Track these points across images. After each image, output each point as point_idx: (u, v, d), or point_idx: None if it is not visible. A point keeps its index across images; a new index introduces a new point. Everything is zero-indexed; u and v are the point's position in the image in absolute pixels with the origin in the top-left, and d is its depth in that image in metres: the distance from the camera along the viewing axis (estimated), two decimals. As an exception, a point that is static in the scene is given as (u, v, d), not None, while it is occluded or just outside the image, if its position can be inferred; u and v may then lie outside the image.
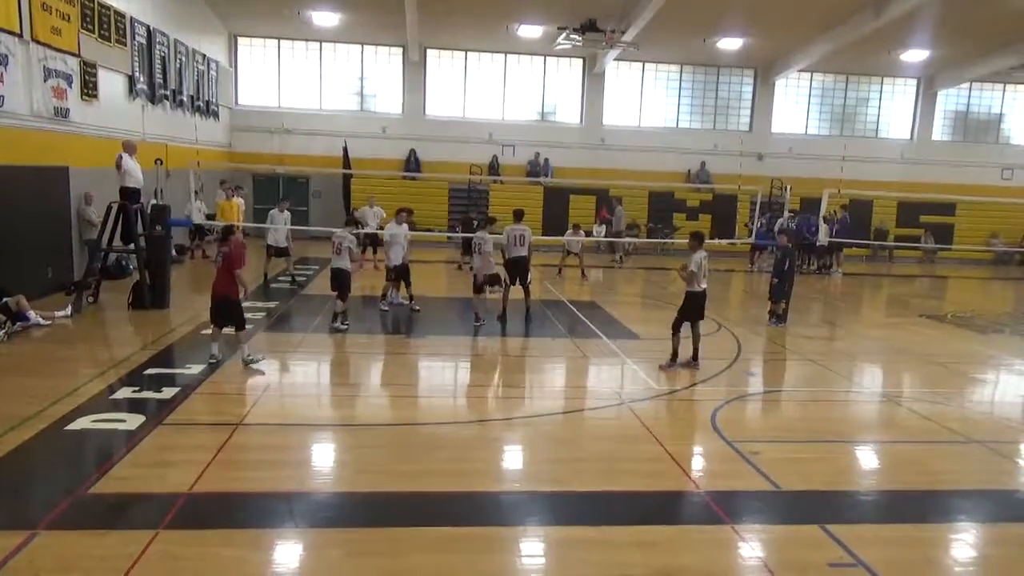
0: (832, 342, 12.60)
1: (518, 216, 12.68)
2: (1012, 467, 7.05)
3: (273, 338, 10.76)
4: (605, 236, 22.91)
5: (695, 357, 9.73)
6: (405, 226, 12.99)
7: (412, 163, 25.45)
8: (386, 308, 12.88)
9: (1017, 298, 19.67)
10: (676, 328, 9.66)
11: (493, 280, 12.02)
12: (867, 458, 7.34)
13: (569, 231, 19.20)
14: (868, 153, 26.85)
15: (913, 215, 26.51)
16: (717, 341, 11.39)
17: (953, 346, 12.25)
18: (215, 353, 9.03)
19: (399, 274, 12.84)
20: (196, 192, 18.13)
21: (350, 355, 10.41)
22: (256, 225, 22.46)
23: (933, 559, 5.17)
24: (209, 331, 9.43)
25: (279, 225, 15.63)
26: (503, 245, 12.45)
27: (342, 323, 11.26)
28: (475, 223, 16.05)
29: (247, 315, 11.53)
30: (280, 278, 15.74)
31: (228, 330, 9.22)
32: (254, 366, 8.94)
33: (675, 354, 9.63)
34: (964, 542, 5.47)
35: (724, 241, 22.15)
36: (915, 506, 5.99)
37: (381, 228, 13.42)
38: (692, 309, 9.65)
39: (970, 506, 6.03)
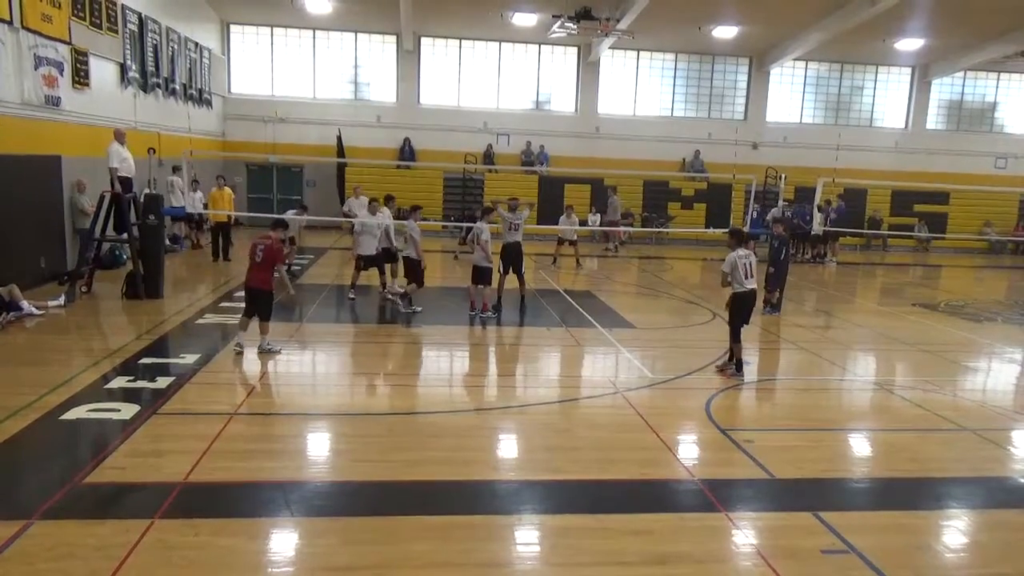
0: (826, 331, 12.64)
1: (513, 206, 12.75)
2: (1003, 454, 7.09)
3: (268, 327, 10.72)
4: (600, 225, 22.91)
5: (730, 359, 9.21)
6: (381, 215, 13.06)
7: (406, 152, 25.37)
8: (353, 297, 12.91)
9: (1010, 287, 19.76)
10: (736, 335, 9.06)
11: (483, 278, 11.87)
12: (859, 446, 7.38)
13: (563, 216, 19.09)
14: (862, 142, 26.91)
15: (907, 204, 26.58)
16: (711, 330, 11.42)
17: (946, 334, 12.31)
18: (242, 343, 9.12)
19: (370, 264, 12.90)
20: (193, 181, 18.08)
21: (345, 344, 10.40)
22: (249, 214, 22.46)
23: (925, 545, 5.21)
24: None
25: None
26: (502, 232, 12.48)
27: (409, 305, 11.93)
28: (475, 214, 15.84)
29: (241, 304, 11.58)
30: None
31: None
32: (272, 351, 9.17)
33: (739, 362, 9.09)
34: (955, 528, 5.51)
35: (719, 230, 22.14)
36: (907, 493, 6.03)
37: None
38: (740, 310, 9.11)
39: (961, 493, 6.08)
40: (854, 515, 5.47)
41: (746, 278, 9.10)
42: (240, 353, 9.00)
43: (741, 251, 9.18)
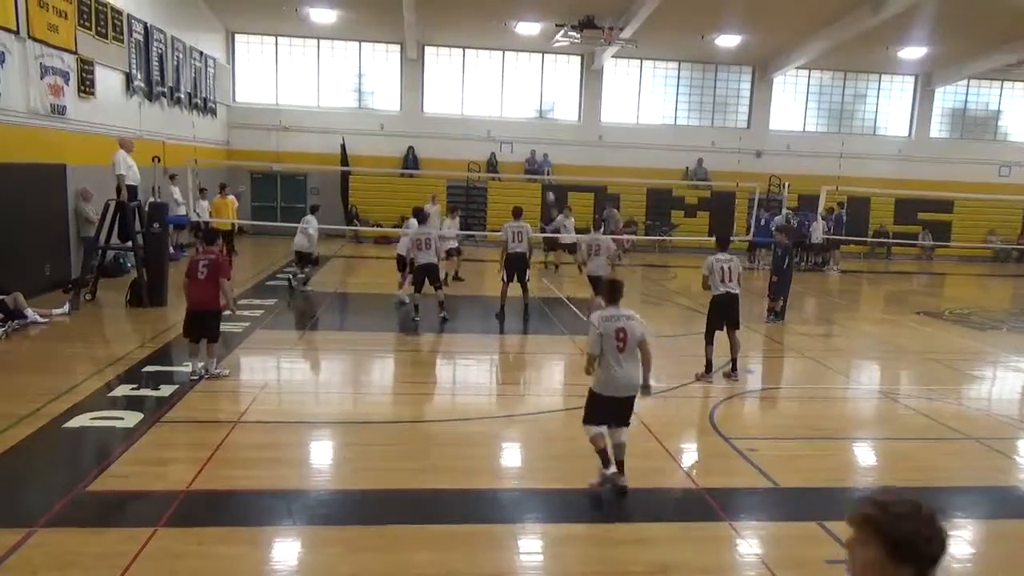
0: (830, 339, 12.61)
1: (516, 214, 12.79)
2: (1009, 464, 7.06)
3: (271, 336, 10.75)
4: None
5: (733, 368, 9.26)
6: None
7: (410, 160, 25.42)
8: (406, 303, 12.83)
9: (1014, 295, 19.70)
10: (707, 337, 9.21)
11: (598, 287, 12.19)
12: (864, 455, 7.36)
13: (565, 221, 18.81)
14: (866, 150, 26.89)
15: (911, 212, 26.53)
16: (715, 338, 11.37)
17: (950, 343, 12.27)
18: (197, 369, 8.32)
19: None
20: (201, 190, 18.11)
21: (347, 353, 10.40)
22: (253, 222, 22.52)
23: (930, 555, 5.17)
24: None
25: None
26: (503, 242, 12.49)
27: (440, 310, 11.91)
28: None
29: (245, 312, 11.62)
30: (278, 275, 15.77)
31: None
32: (221, 375, 8.40)
33: (708, 364, 9.18)
34: (961, 538, 5.47)
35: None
36: (912, 503, 5.99)
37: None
38: (714, 314, 9.17)
39: (967, 502, 6.05)
40: (859, 525, 5.44)
41: (723, 281, 9.07)
42: (200, 379, 8.22)
43: (722, 255, 9.20)
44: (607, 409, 5.77)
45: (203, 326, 8.41)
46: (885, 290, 19.96)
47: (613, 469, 5.68)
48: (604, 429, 5.77)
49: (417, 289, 11.97)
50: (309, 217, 14.64)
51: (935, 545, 1.99)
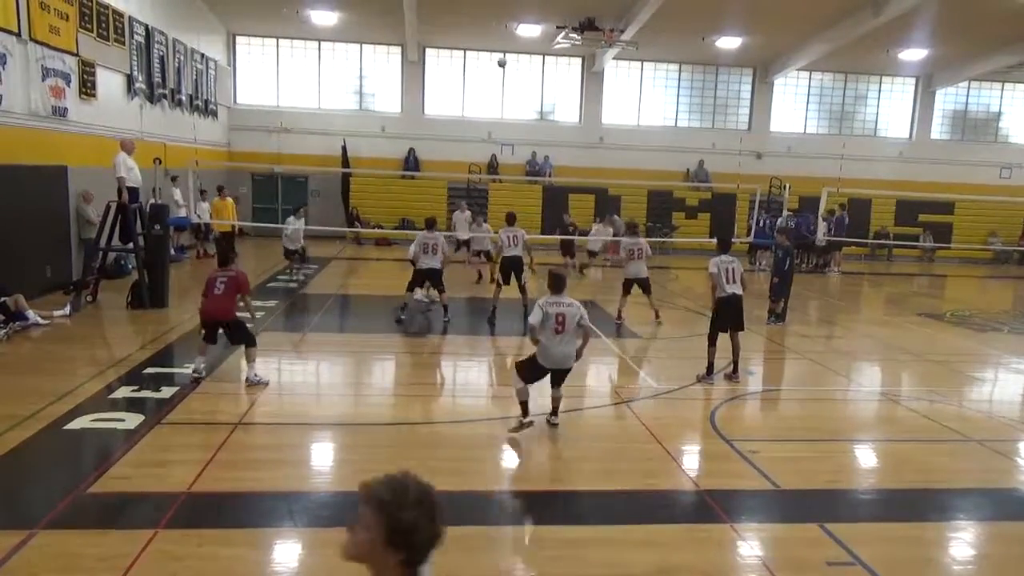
0: (831, 341, 12.61)
1: (510, 219, 13.02)
2: (1010, 465, 7.05)
3: (273, 337, 10.73)
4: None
5: (734, 370, 9.21)
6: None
7: (411, 162, 25.43)
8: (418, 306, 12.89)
9: (1015, 297, 19.69)
10: (710, 339, 9.18)
11: (645, 288, 12.69)
12: (865, 457, 7.35)
13: (596, 226, 19.61)
14: (867, 152, 26.85)
15: (912, 214, 26.52)
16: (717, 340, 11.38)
17: (951, 344, 12.26)
18: (199, 368, 8.31)
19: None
20: (200, 191, 18.15)
21: (349, 354, 10.39)
22: (254, 224, 22.54)
23: (931, 557, 5.18)
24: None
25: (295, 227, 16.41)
26: (499, 246, 12.63)
27: (445, 314, 12.05)
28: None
29: (245, 314, 11.60)
30: (279, 277, 15.77)
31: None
32: (259, 383, 8.34)
33: (710, 366, 9.15)
34: (962, 540, 5.48)
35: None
36: (913, 505, 6.00)
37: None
38: (720, 316, 9.14)
39: (968, 504, 6.04)
40: (860, 527, 5.44)
41: (728, 283, 9.07)
42: (199, 380, 8.23)
43: (725, 256, 9.24)
44: (543, 375, 7.09)
45: (229, 335, 8.46)
46: (886, 292, 19.95)
47: (531, 419, 6.99)
48: (530, 388, 7.01)
49: (409, 288, 12.16)
50: (292, 218, 16.58)
51: (429, 538, 2.19)
